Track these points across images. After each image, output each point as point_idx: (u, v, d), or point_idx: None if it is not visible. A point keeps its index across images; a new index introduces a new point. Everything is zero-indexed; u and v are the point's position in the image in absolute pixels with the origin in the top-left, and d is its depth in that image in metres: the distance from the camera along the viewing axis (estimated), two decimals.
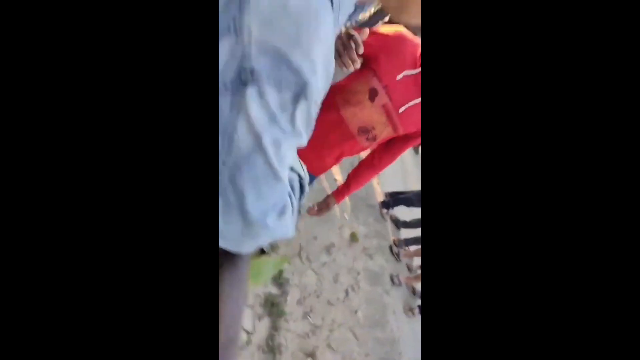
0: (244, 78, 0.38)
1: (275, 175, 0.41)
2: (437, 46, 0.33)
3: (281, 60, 0.38)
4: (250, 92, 0.38)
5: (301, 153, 0.56)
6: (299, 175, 0.55)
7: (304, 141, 0.44)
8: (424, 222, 0.35)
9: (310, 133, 0.45)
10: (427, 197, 0.34)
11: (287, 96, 0.39)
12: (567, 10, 0.30)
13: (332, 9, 0.41)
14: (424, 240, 0.35)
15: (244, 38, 0.37)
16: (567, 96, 0.31)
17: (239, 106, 0.38)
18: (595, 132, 0.30)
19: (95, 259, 0.29)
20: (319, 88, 0.41)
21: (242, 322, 0.48)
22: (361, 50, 0.84)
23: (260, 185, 0.40)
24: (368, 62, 1.04)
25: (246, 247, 0.47)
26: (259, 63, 0.37)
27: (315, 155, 1.18)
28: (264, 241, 0.46)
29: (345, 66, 0.85)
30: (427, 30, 0.34)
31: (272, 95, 0.38)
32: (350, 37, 0.84)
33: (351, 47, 0.84)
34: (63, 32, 0.29)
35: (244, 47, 0.37)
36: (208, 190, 0.33)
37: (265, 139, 0.39)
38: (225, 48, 0.37)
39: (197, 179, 0.32)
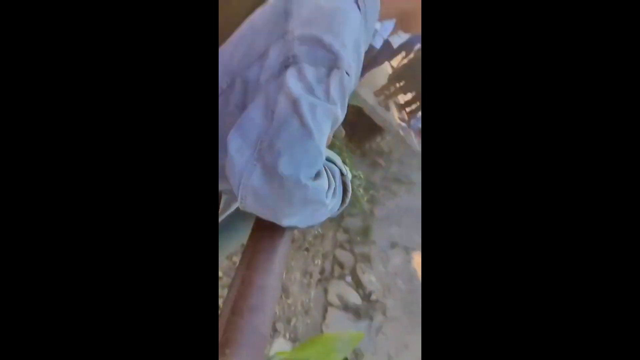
0: (287, 64, 0.46)
1: (309, 134, 0.44)
2: (437, 46, 0.33)
3: (317, 43, 0.46)
4: (291, 71, 0.46)
5: None
6: (341, 171, 0.57)
7: (338, 112, 0.48)
8: (424, 221, 0.35)
9: (344, 105, 0.49)
10: (427, 196, 0.34)
11: (322, 71, 0.46)
12: (562, 12, 0.31)
13: (360, 11, 0.50)
14: (423, 239, 0.35)
15: (289, 38, 0.47)
16: (565, 97, 0.31)
17: (281, 85, 0.45)
18: (592, 132, 0.30)
19: (95, 259, 0.29)
20: (349, 61, 0.47)
21: (275, 296, 0.47)
22: None
23: (294, 147, 0.44)
24: None
25: (283, 215, 0.48)
26: (299, 50, 0.46)
27: None
28: (299, 208, 0.46)
29: None
30: (427, 30, 0.34)
31: (309, 71, 0.46)
32: None
33: None
34: (74, 44, 0.29)
35: (288, 44, 0.47)
36: (208, 187, 0.33)
37: (302, 104, 0.44)
38: (275, 51, 0.48)
39: (197, 174, 0.32)
